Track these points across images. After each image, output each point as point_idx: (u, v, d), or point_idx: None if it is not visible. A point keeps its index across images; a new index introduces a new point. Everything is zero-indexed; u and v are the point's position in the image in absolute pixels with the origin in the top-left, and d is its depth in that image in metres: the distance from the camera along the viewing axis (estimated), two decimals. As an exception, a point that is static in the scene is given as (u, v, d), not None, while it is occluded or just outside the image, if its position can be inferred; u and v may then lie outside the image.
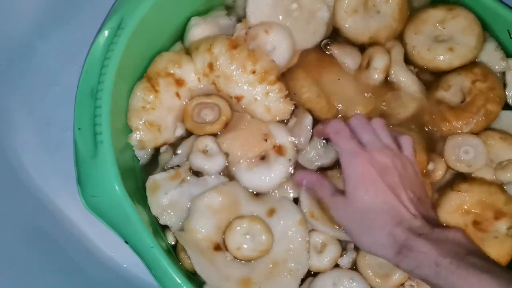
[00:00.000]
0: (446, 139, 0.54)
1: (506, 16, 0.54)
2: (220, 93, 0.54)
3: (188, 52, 0.54)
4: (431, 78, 0.57)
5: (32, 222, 0.59)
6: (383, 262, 0.50)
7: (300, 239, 0.51)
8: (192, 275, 0.51)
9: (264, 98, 0.53)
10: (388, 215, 0.44)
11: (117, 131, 0.49)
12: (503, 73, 0.57)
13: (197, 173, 0.53)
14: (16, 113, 0.61)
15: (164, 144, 0.54)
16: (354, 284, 0.50)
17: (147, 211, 0.51)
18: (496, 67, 0.56)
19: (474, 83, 0.55)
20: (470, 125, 0.54)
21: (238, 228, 0.50)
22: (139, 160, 0.54)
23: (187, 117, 0.54)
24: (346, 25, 0.57)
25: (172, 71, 0.53)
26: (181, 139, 0.55)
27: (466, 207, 0.52)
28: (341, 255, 0.52)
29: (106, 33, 0.49)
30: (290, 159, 0.53)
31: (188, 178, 0.52)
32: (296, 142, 0.54)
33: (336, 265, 0.52)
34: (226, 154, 0.53)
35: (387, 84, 0.56)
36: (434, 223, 0.45)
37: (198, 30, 0.54)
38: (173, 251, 0.52)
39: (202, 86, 0.54)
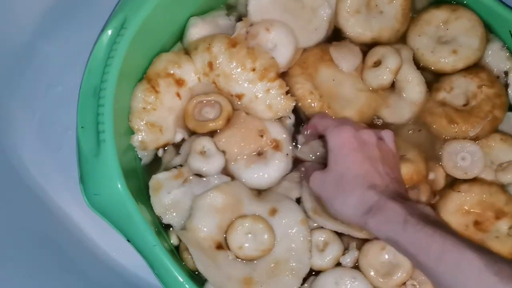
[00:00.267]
0: (446, 142, 0.55)
1: (507, 17, 0.54)
2: (220, 92, 0.54)
3: (187, 52, 0.55)
4: (431, 78, 0.58)
5: (33, 221, 0.59)
6: (385, 261, 0.51)
7: (302, 239, 0.51)
8: (194, 275, 0.51)
9: (264, 95, 0.53)
10: (363, 179, 0.46)
11: (119, 133, 0.50)
12: (506, 73, 0.57)
13: (199, 174, 0.53)
14: (17, 112, 0.62)
15: (166, 144, 0.54)
16: (356, 283, 0.51)
17: (149, 211, 0.52)
18: (501, 66, 0.57)
19: (481, 87, 0.55)
20: (476, 129, 0.54)
21: (240, 227, 0.50)
22: (141, 160, 0.55)
23: (188, 117, 0.54)
24: (348, 25, 0.57)
25: (172, 72, 0.53)
26: (183, 140, 0.55)
27: (466, 208, 0.53)
28: (343, 254, 0.52)
29: (109, 32, 0.49)
30: (287, 154, 0.54)
31: (191, 177, 0.53)
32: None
33: (338, 264, 0.53)
34: (223, 152, 0.53)
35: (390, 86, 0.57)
36: (407, 198, 0.47)
37: (196, 30, 0.55)
38: (176, 252, 0.53)
39: (202, 85, 0.55)
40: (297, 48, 0.56)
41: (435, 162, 0.55)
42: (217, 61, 0.52)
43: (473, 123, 0.54)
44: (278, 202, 0.52)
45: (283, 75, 0.56)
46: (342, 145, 0.48)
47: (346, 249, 0.53)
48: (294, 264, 0.50)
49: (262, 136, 0.53)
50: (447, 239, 0.40)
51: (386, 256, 0.51)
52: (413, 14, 0.59)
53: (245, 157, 0.53)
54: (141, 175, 0.54)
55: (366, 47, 0.58)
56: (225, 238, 0.51)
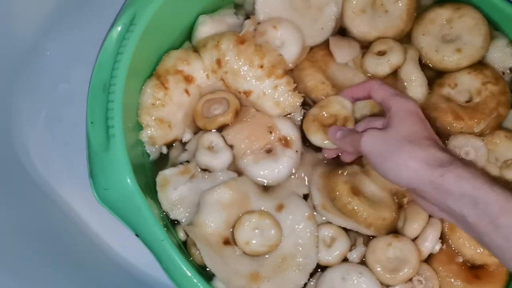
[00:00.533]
0: (451, 136, 0.55)
1: (512, 14, 0.55)
2: (229, 89, 0.55)
3: (196, 49, 0.56)
4: (433, 74, 0.58)
5: (39, 216, 0.60)
6: (392, 257, 0.52)
7: (308, 234, 0.52)
8: (202, 270, 0.52)
9: (272, 92, 0.54)
10: (433, 142, 0.45)
11: (128, 128, 0.51)
12: (511, 70, 0.58)
13: (206, 170, 0.54)
14: (25, 109, 0.63)
15: (174, 140, 0.55)
16: (363, 278, 0.51)
17: (157, 207, 0.53)
18: (507, 63, 0.58)
19: (485, 84, 0.56)
20: (481, 126, 0.55)
21: (247, 223, 0.51)
22: (149, 156, 0.55)
23: (198, 116, 0.55)
24: (353, 25, 0.58)
25: (181, 68, 0.54)
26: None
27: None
28: (350, 250, 0.53)
29: (119, 28, 0.50)
30: (297, 151, 0.54)
31: (198, 173, 0.53)
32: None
33: (345, 260, 0.53)
34: (231, 147, 0.54)
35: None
36: None
37: (205, 28, 0.56)
38: (184, 247, 0.53)
39: (210, 82, 0.55)
40: (304, 46, 0.57)
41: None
42: (226, 58, 0.53)
43: (479, 119, 0.55)
44: (285, 198, 0.53)
45: (291, 72, 0.57)
46: (410, 112, 0.47)
47: (353, 245, 0.54)
48: (301, 259, 0.51)
49: (270, 132, 0.54)
50: None
51: (393, 252, 0.52)
52: (417, 12, 0.60)
53: (253, 152, 0.54)
54: (149, 171, 0.55)
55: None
56: (232, 234, 0.52)
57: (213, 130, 0.55)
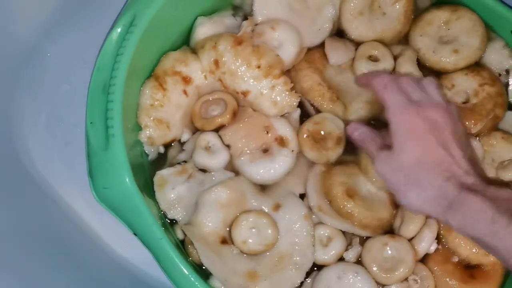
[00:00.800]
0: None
1: (508, 17, 0.56)
2: (226, 90, 0.56)
3: (194, 51, 0.57)
4: (430, 75, 0.58)
5: (39, 216, 0.61)
6: (388, 257, 0.52)
7: (305, 233, 0.53)
8: (199, 269, 0.52)
9: (269, 92, 0.55)
10: (439, 169, 0.43)
11: (127, 129, 0.51)
12: (507, 71, 0.58)
13: (203, 170, 0.55)
14: (25, 110, 0.63)
15: (173, 140, 0.56)
16: (359, 278, 0.52)
17: (156, 206, 0.53)
18: (503, 64, 0.58)
19: (482, 86, 0.56)
20: (478, 127, 0.56)
21: (244, 222, 0.52)
22: (148, 156, 0.56)
23: (196, 117, 0.56)
24: (351, 27, 0.59)
25: (179, 70, 0.55)
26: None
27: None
28: (346, 249, 0.54)
29: (119, 29, 0.51)
30: (293, 150, 0.55)
31: (195, 173, 0.54)
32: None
33: (341, 259, 0.54)
34: (228, 147, 0.55)
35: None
36: (488, 181, 0.43)
37: (203, 29, 0.57)
38: (182, 246, 0.54)
39: (208, 83, 0.56)
40: (302, 47, 0.58)
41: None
42: (223, 59, 0.54)
43: (476, 120, 0.56)
44: (281, 197, 0.54)
45: (288, 73, 0.58)
46: (411, 130, 0.45)
47: (349, 245, 0.54)
48: (297, 258, 0.52)
49: (267, 132, 0.55)
50: None
51: (389, 252, 0.52)
52: (415, 14, 0.60)
53: (250, 152, 0.55)
54: (147, 171, 0.56)
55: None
56: (230, 233, 0.52)
57: (210, 131, 0.55)
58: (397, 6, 0.59)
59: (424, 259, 0.55)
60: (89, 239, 0.61)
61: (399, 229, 0.54)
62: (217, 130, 0.55)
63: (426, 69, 0.59)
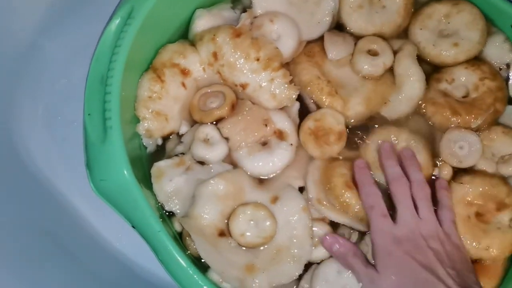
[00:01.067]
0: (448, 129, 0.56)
1: (508, 11, 0.56)
2: (225, 82, 0.57)
3: (192, 43, 0.57)
4: (430, 70, 0.59)
5: (37, 209, 0.61)
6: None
7: (303, 226, 0.53)
8: (197, 261, 0.53)
9: (268, 85, 0.55)
10: None
11: (125, 121, 0.52)
12: (508, 66, 0.59)
13: (201, 162, 0.55)
14: (24, 105, 0.64)
15: (171, 133, 0.57)
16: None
17: (154, 199, 0.54)
18: (504, 58, 0.59)
19: (483, 80, 0.57)
20: (479, 121, 0.56)
21: (242, 214, 0.52)
22: (146, 148, 0.57)
23: (194, 109, 0.56)
24: (351, 20, 0.60)
25: (177, 62, 0.55)
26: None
27: (469, 199, 0.54)
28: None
29: (117, 21, 0.52)
30: (291, 144, 0.55)
31: (193, 165, 0.54)
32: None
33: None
34: (227, 139, 0.55)
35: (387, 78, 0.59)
36: None
37: (202, 22, 0.57)
38: (179, 238, 0.55)
39: (207, 75, 0.57)
40: (301, 40, 0.58)
41: (440, 159, 0.57)
42: (222, 51, 0.55)
43: (476, 114, 0.56)
44: (279, 190, 0.54)
45: (287, 66, 0.58)
46: (391, 257, 0.47)
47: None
48: (295, 251, 0.52)
49: (266, 125, 0.55)
50: None
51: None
52: (414, 7, 0.61)
53: (248, 145, 0.55)
54: (146, 164, 0.56)
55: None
56: (227, 226, 0.53)
57: (209, 123, 0.56)
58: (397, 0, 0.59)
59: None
60: (86, 232, 0.62)
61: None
62: (215, 123, 0.56)
63: (426, 63, 0.59)
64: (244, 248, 0.53)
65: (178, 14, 0.58)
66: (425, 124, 0.58)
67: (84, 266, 0.61)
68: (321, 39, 0.59)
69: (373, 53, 0.58)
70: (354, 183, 0.54)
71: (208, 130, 0.55)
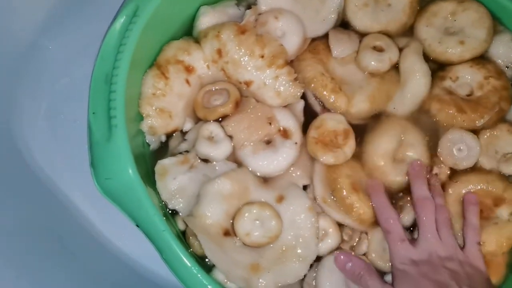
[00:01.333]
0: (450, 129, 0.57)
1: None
2: (229, 79, 0.57)
3: (197, 40, 0.57)
4: (435, 67, 0.60)
5: (39, 209, 0.62)
6: (388, 247, 0.53)
7: (309, 226, 0.53)
8: (201, 261, 0.53)
9: (273, 82, 0.55)
10: None
11: (129, 118, 0.52)
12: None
13: (206, 160, 0.55)
14: (26, 103, 0.64)
15: (175, 130, 0.57)
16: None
17: (157, 197, 0.54)
18: (511, 57, 0.59)
19: (488, 78, 0.57)
20: (484, 120, 0.56)
21: (248, 214, 0.52)
22: (149, 146, 0.57)
23: (198, 107, 0.56)
24: (356, 18, 0.60)
25: (181, 59, 0.56)
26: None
27: (466, 197, 0.55)
28: (342, 242, 0.55)
29: (122, 20, 0.52)
30: (296, 142, 0.55)
31: (197, 163, 0.55)
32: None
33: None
34: (230, 137, 0.55)
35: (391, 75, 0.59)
36: None
37: (206, 19, 0.57)
38: (183, 237, 0.55)
39: (211, 73, 0.57)
40: (305, 37, 0.59)
41: (438, 158, 0.57)
42: (226, 48, 0.55)
43: (482, 113, 0.56)
44: (285, 189, 0.54)
45: (291, 63, 0.58)
46: (406, 273, 0.49)
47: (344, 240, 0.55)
48: (301, 250, 0.52)
49: (270, 123, 0.55)
50: None
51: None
52: (420, 5, 0.61)
53: (252, 143, 0.55)
54: (149, 161, 0.56)
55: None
56: (232, 225, 0.53)
57: (213, 121, 0.56)
58: (403, -5, 0.59)
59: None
60: (88, 232, 0.62)
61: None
62: (219, 120, 0.56)
63: (430, 61, 0.59)
64: (249, 248, 0.53)
65: (182, 11, 0.58)
66: (429, 121, 0.58)
67: (86, 266, 0.61)
68: (326, 36, 0.60)
69: (378, 50, 0.58)
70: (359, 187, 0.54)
71: (213, 128, 0.55)
